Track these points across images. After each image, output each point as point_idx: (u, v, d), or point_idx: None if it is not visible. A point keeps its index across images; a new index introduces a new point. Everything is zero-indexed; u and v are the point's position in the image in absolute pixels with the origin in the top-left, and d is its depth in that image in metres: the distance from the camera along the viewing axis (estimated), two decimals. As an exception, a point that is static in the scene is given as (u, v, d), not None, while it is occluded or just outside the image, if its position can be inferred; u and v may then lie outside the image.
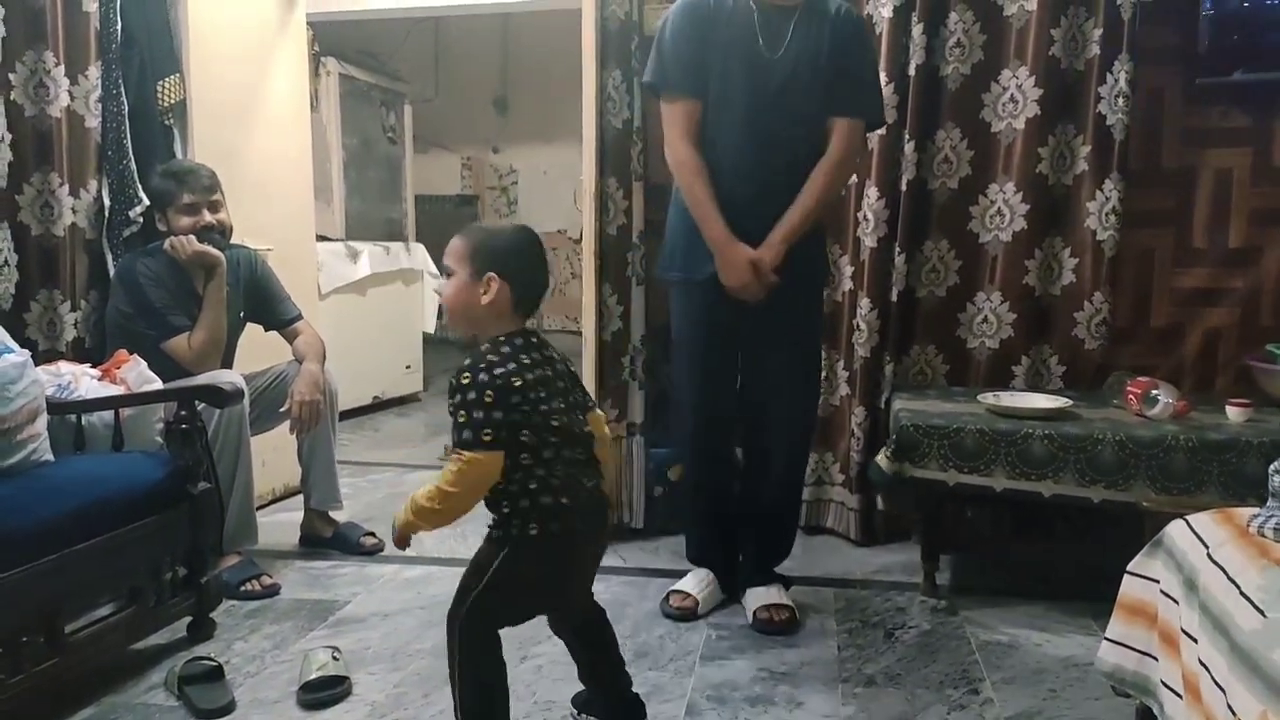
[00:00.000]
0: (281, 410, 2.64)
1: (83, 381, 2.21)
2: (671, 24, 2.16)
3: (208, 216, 2.53)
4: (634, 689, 1.73)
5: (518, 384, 1.46)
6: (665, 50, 2.16)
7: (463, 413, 1.44)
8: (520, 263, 1.55)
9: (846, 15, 2.17)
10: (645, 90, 2.51)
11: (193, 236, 2.50)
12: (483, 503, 1.51)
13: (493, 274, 1.52)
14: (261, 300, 2.75)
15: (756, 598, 2.26)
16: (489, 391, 1.44)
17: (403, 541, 1.54)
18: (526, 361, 1.50)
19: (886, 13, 2.64)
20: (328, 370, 2.71)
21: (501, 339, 1.51)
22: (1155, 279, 2.74)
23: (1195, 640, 1.33)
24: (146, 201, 2.67)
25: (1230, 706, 1.16)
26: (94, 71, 2.66)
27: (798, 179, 2.14)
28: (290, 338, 2.76)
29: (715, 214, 2.12)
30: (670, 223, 2.30)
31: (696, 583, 2.33)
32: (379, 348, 4.94)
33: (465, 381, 1.45)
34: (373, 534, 2.81)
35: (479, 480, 1.46)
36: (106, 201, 2.69)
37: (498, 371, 1.46)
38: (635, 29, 2.78)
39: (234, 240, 2.67)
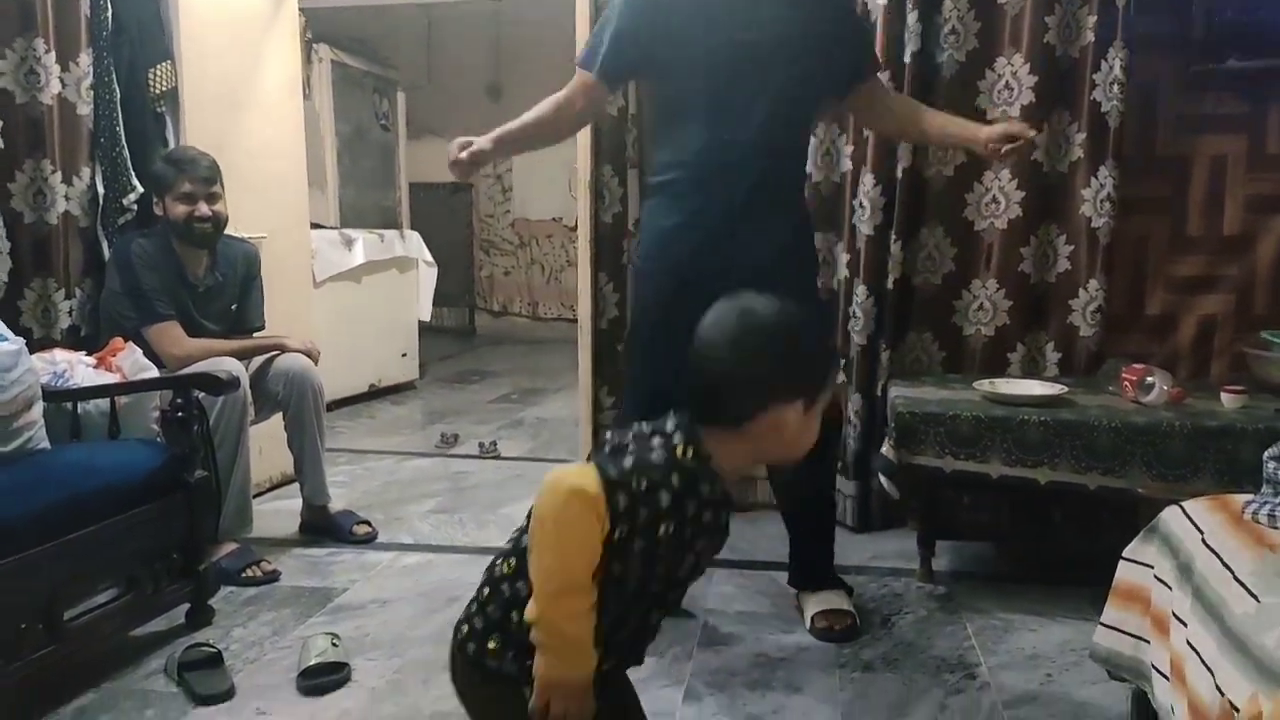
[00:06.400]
0: (276, 397, 2.67)
1: (78, 369, 2.21)
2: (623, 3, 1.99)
3: (204, 208, 2.53)
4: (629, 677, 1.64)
5: None
6: (604, 29, 2.02)
7: None
8: None
9: None
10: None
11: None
12: None
13: None
14: (242, 297, 2.75)
15: (817, 602, 2.16)
16: None
17: None
18: None
19: (881, 0, 2.63)
20: (312, 367, 2.72)
21: None
22: (1150, 266, 2.75)
23: (1185, 624, 1.35)
24: (140, 189, 2.67)
25: (1218, 687, 1.17)
26: (85, 59, 2.64)
27: (781, 190, 2.01)
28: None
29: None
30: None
31: None
32: (374, 335, 4.94)
33: None
34: (367, 522, 2.81)
35: None
36: (100, 189, 2.67)
37: None
38: (631, 15, 2.77)
39: (230, 231, 2.66)
